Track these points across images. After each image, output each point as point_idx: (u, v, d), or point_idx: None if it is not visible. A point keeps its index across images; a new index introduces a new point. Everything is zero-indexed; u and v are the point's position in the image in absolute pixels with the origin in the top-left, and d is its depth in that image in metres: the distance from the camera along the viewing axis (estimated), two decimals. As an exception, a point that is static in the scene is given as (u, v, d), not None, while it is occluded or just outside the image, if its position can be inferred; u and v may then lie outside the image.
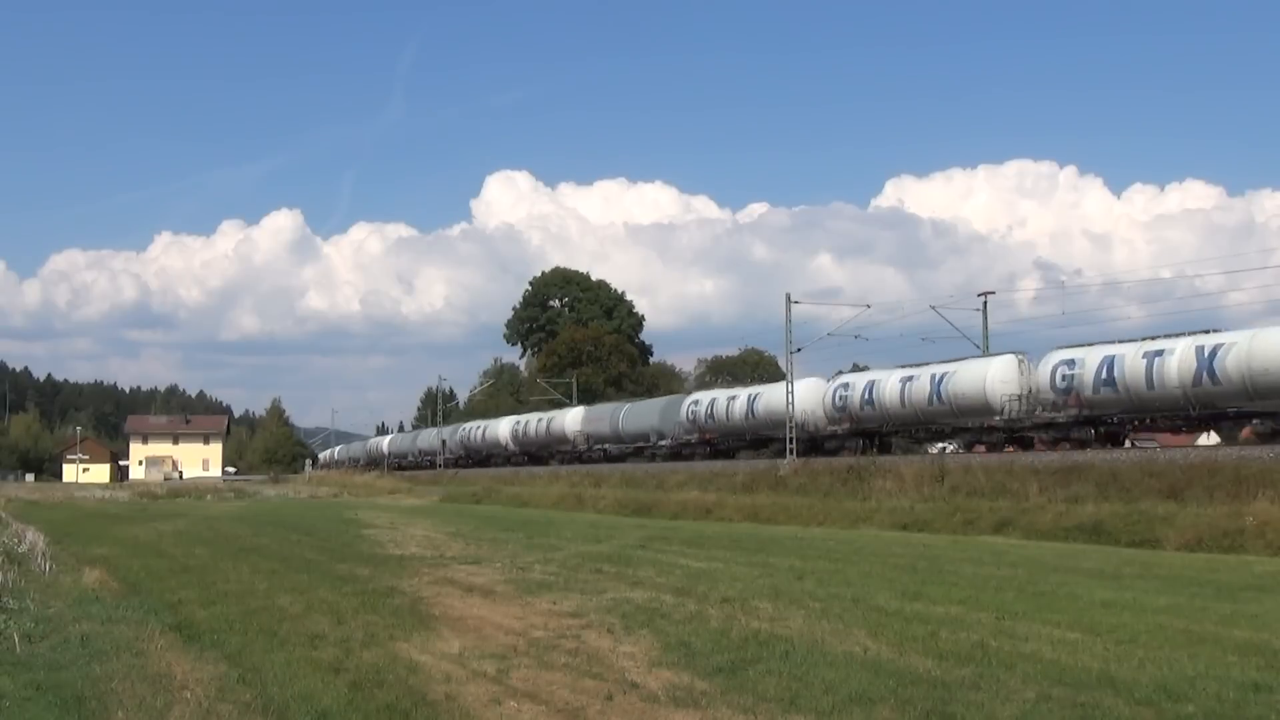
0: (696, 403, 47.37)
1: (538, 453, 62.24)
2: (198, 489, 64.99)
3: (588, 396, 71.80)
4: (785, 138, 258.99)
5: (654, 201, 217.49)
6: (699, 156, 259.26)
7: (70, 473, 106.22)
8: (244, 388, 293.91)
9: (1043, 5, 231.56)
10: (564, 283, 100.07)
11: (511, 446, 64.56)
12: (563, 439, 57.91)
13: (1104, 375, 29.06)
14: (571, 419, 58.14)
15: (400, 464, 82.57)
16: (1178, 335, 28.30)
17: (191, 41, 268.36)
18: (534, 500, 41.15)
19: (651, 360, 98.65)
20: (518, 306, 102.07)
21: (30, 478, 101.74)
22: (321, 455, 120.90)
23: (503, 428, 66.27)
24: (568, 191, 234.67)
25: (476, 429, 70.41)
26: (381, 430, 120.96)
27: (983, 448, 34.15)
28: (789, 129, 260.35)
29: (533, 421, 63.22)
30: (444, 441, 74.32)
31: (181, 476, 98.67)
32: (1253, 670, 8.09)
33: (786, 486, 31.88)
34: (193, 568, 17.41)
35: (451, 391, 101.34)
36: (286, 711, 7.46)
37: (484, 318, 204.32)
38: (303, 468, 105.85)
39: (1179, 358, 27.31)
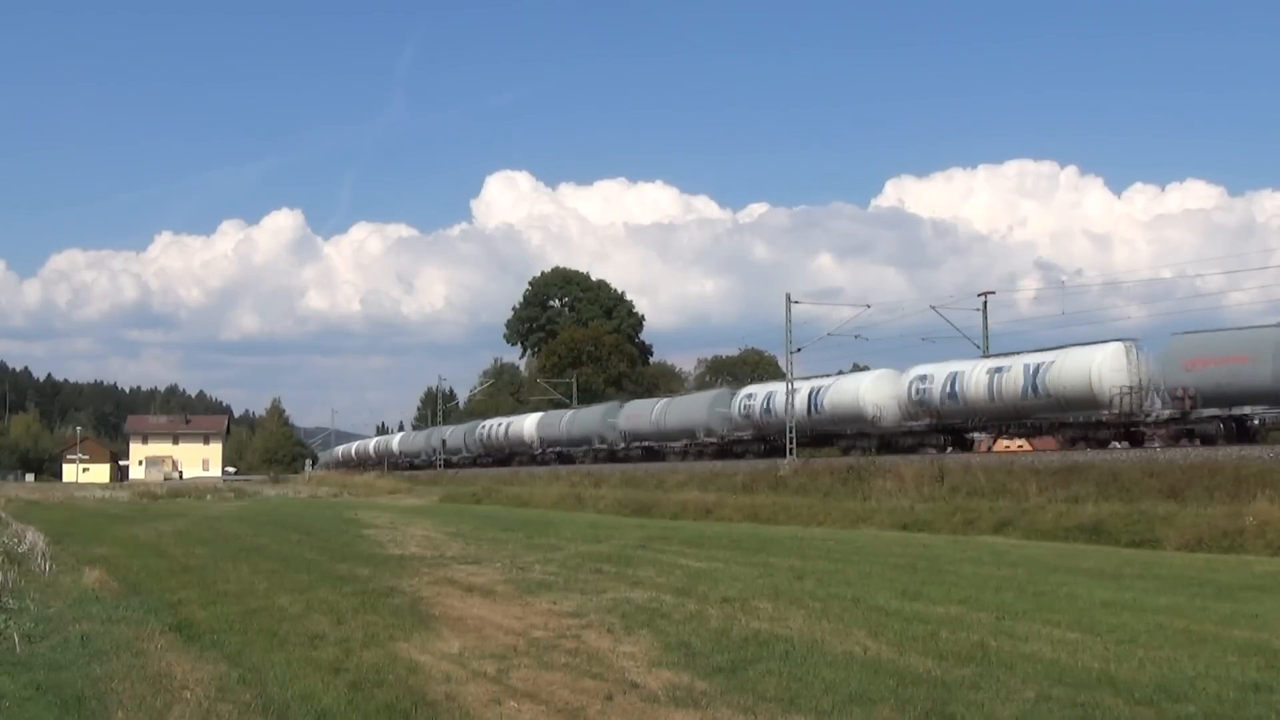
0: None
1: (836, 430, 38.83)
2: (198, 489, 65.00)
3: (587, 397, 71.71)
4: (785, 138, 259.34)
5: (654, 201, 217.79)
6: (699, 156, 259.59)
7: (70, 473, 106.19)
8: (244, 388, 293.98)
9: (1043, 5, 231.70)
10: (564, 283, 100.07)
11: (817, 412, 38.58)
12: (972, 411, 33.44)
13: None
14: (978, 379, 32.74)
15: (536, 456, 59.84)
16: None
17: (191, 42, 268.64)
18: (534, 500, 41.15)
19: (651, 360, 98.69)
20: (518, 306, 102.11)
21: (30, 478, 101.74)
22: (356, 446, 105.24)
23: (798, 395, 38.82)
24: (568, 191, 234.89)
25: (749, 399, 42.67)
26: (382, 430, 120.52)
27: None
28: (789, 129, 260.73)
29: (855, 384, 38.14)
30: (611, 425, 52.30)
31: (181, 476, 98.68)
32: (1253, 670, 8.10)
33: (786, 486, 31.88)
34: (193, 568, 17.42)
35: (451, 391, 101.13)
36: (286, 711, 7.46)
37: (484, 318, 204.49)
38: (303, 468, 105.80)
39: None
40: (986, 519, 22.92)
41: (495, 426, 66.21)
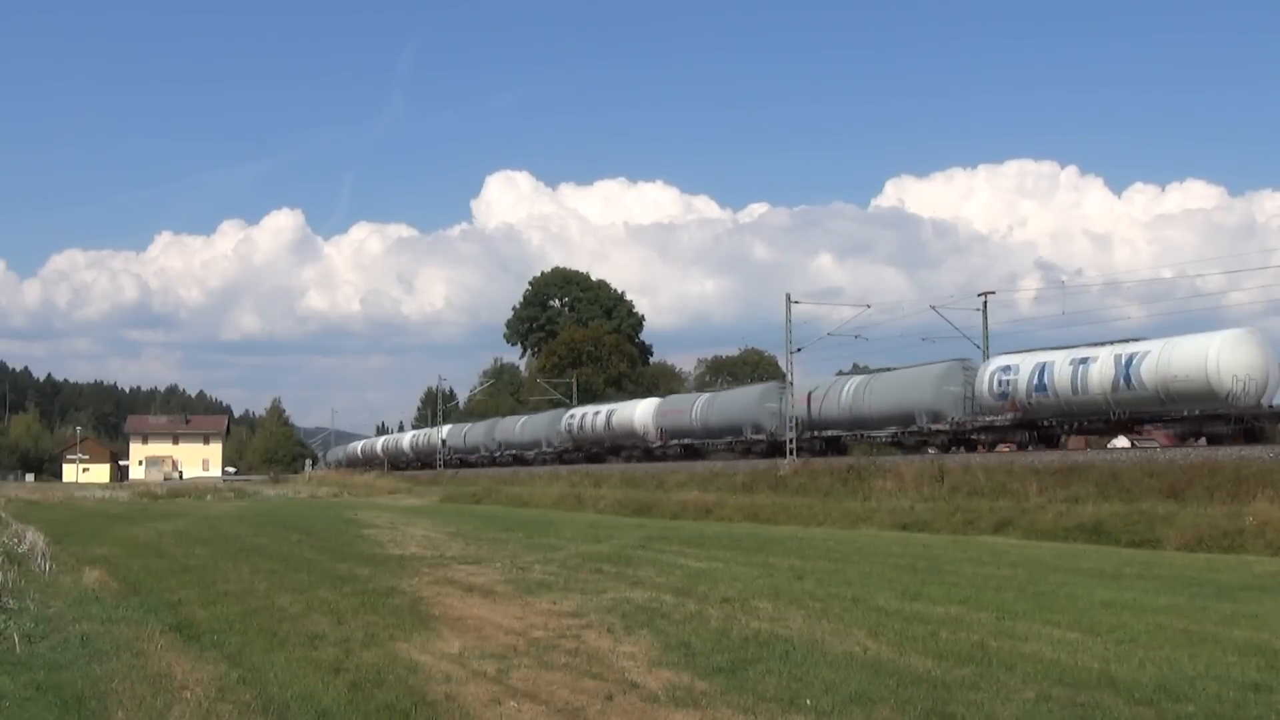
0: None
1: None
2: (198, 489, 65.01)
3: (587, 397, 71.69)
4: (785, 138, 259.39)
5: (654, 201, 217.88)
6: (699, 156, 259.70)
7: (70, 473, 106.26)
8: (244, 388, 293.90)
9: (1043, 5, 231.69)
10: (564, 283, 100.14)
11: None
12: None
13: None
14: None
15: (653, 450, 49.65)
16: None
17: (191, 41, 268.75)
18: (534, 500, 41.17)
19: (651, 360, 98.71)
20: (518, 306, 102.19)
21: (30, 478, 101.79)
22: (382, 442, 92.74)
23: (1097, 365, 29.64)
24: (568, 192, 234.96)
25: (1006, 373, 32.03)
26: (382, 430, 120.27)
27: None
28: (789, 129, 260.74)
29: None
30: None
31: (181, 476, 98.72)
32: (1253, 670, 8.10)
33: (786, 486, 31.88)
34: (193, 568, 17.43)
35: (451, 391, 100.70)
36: (286, 711, 7.47)
37: (484, 318, 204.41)
38: (303, 468, 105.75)
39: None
40: (986, 519, 22.93)
41: (590, 416, 55.29)
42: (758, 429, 42.38)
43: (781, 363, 47.27)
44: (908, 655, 8.82)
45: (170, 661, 9.22)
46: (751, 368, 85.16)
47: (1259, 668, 8.19)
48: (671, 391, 66.55)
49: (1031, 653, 8.84)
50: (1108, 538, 19.66)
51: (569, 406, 62.90)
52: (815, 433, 39.28)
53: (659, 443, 49.42)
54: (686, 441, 47.44)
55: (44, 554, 18.18)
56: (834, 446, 39.01)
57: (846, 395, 38.29)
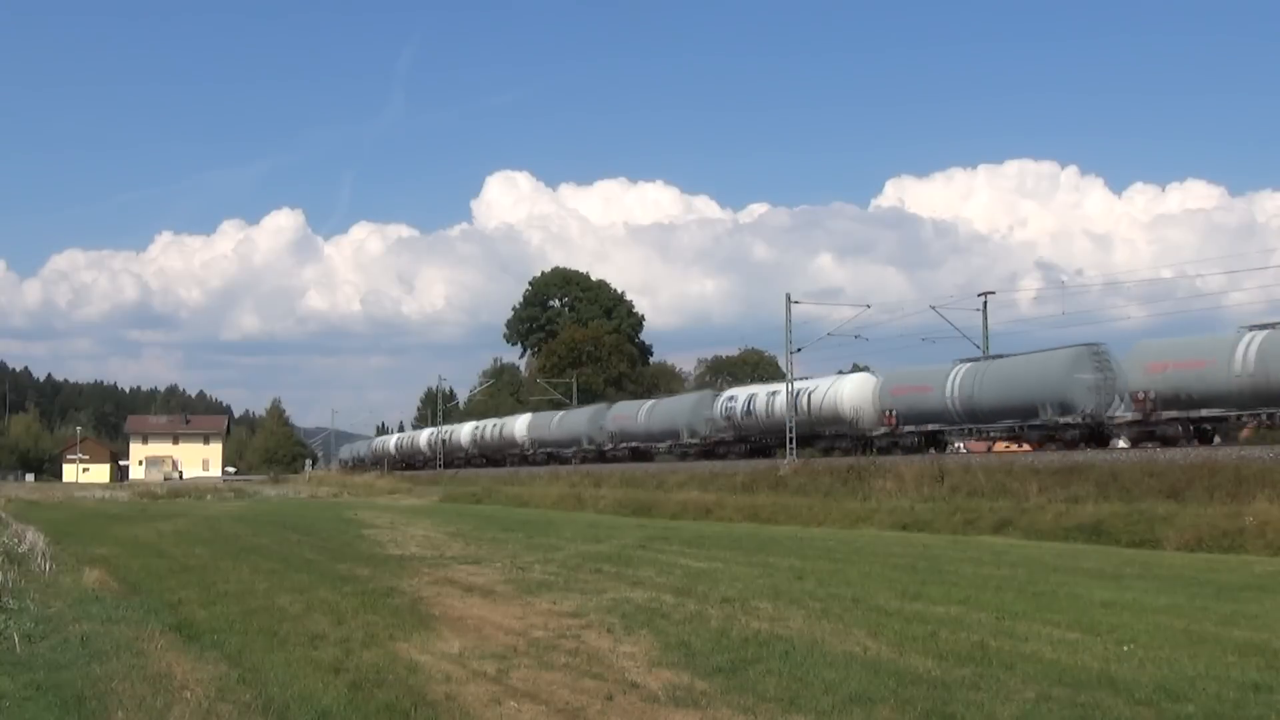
0: None
1: None
2: (198, 489, 65.06)
3: (587, 396, 71.63)
4: (786, 138, 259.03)
5: (654, 201, 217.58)
6: (699, 156, 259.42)
7: (70, 473, 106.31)
8: (244, 388, 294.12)
9: (1043, 5, 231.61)
10: (564, 283, 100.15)
11: None
12: None
13: None
14: None
15: (871, 439, 36.79)
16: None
17: (191, 42, 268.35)
18: (534, 500, 41.17)
19: (651, 360, 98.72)
20: (518, 306, 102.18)
21: (30, 478, 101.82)
22: (427, 435, 79.18)
23: None
24: (568, 192, 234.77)
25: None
26: (382, 430, 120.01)
27: None
28: (789, 129, 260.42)
29: None
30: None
31: (181, 476, 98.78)
32: (1253, 670, 8.10)
33: (786, 486, 31.88)
34: (193, 568, 17.43)
35: (451, 391, 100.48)
36: (286, 711, 7.46)
37: (484, 318, 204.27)
38: (303, 468, 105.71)
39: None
40: (986, 519, 22.92)
41: (764, 397, 42.36)
42: (1064, 408, 30.26)
43: (781, 363, 47.30)
44: (908, 655, 8.83)
45: (170, 661, 9.23)
46: (752, 367, 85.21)
47: (1259, 668, 8.19)
48: (671, 392, 65.89)
49: (1031, 653, 8.84)
50: (1108, 538, 19.65)
51: (719, 388, 51.43)
52: (1175, 412, 27.58)
53: (884, 429, 36.53)
54: (932, 428, 34.90)
55: (44, 554, 18.18)
56: (1200, 434, 27.70)
57: (1248, 358, 26.00)
